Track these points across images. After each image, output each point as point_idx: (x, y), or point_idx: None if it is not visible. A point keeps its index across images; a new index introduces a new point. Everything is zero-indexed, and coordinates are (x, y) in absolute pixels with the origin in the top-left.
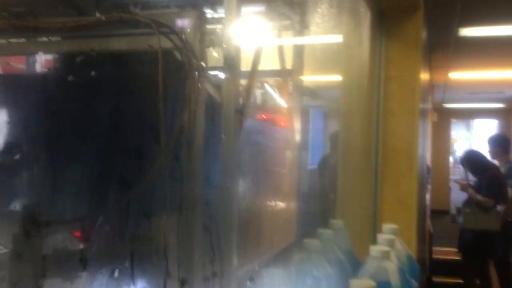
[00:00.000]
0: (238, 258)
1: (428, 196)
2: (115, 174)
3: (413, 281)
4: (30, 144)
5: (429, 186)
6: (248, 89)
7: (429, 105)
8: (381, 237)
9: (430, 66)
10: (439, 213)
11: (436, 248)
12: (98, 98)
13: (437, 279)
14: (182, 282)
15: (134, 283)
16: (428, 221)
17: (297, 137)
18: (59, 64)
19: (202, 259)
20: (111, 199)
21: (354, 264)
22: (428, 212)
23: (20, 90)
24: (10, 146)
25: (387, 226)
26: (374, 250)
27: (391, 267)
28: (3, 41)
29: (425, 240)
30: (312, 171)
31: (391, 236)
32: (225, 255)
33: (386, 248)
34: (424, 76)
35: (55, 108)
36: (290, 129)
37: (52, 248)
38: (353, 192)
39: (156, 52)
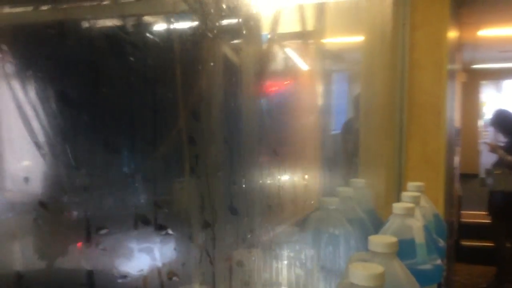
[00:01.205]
0: (262, 224)
1: (457, 159)
2: (133, 135)
3: (440, 240)
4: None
5: (458, 149)
6: (268, 53)
7: (457, 65)
8: (405, 194)
9: (459, 22)
10: (468, 177)
11: (465, 212)
12: (113, 60)
13: (465, 243)
14: (207, 251)
15: (156, 247)
16: (457, 184)
17: (320, 102)
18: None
19: (224, 224)
20: (131, 161)
21: (376, 223)
22: (457, 175)
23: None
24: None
25: (412, 184)
26: (397, 207)
27: (416, 225)
28: None
29: (454, 203)
30: (335, 136)
31: (416, 193)
32: (248, 221)
33: (409, 205)
34: (453, 32)
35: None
36: (312, 94)
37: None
38: (376, 151)
39: (172, 15)
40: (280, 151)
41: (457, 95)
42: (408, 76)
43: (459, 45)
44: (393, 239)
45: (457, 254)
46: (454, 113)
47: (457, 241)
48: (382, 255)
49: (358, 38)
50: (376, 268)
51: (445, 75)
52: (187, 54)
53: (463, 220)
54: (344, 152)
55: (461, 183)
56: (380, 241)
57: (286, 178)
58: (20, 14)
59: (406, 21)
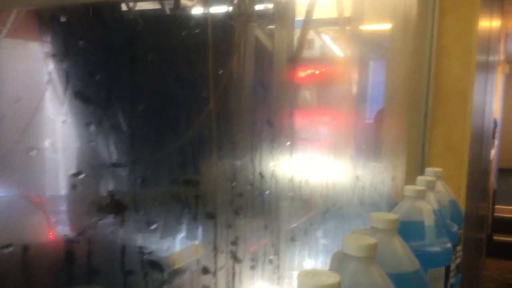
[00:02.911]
0: (289, 212)
1: (493, 152)
2: (166, 120)
3: (454, 225)
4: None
5: (496, 142)
6: (302, 38)
7: (499, 56)
8: (420, 178)
9: (502, 11)
10: (507, 171)
11: (499, 206)
12: (151, 41)
13: (498, 237)
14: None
15: (183, 226)
16: (493, 178)
17: (355, 90)
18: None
19: (252, 210)
20: (161, 144)
21: (390, 207)
22: (493, 169)
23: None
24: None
25: (430, 169)
26: (408, 189)
27: (426, 208)
28: None
29: (488, 197)
30: (369, 125)
31: (431, 178)
32: (276, 209)
33: (421, 188)
34: (492, 21)
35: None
36: (348, 82)
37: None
38: (399, 137)
39: None
40: (313, 136)
41: (499, 87)
42: (435, 63)
43: (504, 35)
44: (394, 216)
45: (488, 249)
46: (492, 105)
47: (489, 236)
48: (382, 231)
49: (387, 25)
50: (369, 239)
51: (474, 63)
52: (220, 37)
53: (497, 214)
54: (377, 141)
55: (498, 177)
56: (381, 217)
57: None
58: None
59: (435, 6)
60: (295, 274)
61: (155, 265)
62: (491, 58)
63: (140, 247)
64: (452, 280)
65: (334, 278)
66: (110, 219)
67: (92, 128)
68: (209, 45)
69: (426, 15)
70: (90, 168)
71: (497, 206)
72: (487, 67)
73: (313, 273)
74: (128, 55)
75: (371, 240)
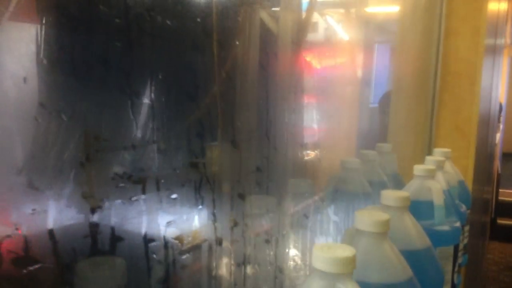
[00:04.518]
0: (292, 195)
1: (498, 136)
2: (170, 102)
3: (463, 205)
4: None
5: (501, 126)
6: (307, 21)
7: (505, 40)
8: (429, 158)
9: None
10: (511, 156)
11: (504, 190)
12: (153, 26)
13: (502, 221)
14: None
15: (188, 207)
16: (497, 162)
17: (360, 73)
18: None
19: (257, 183)
20: (167, 127)
21: (400, 187)
22: (498, 153)
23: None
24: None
25: (438, 150)
26: (418, 168)
27: (435, 187)
28: None
29: (492, 181)
30: (374, 109)
31: (440, 158)
32: (279, 191)
33: (430, 167)
34: (502, 4)
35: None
36: (352, 65)
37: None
38: (407, 117)
39: None
40: (317, 119)
41: (505, 70)
42: (444, 44)
43: (509, 19)
44: (405, 194)
45: (492, 232)
46: (498, 89)
47: (493, 219)
48: (393, 208)
49: (394, 7)
50: (381, 215)
51: (483, 44)
52: (224, 19)
53: (501, 198)
54: (382, 125)
55: (503, 162)
56: (392, 194)
57: (322, 148)
58: None
59: None
60: (308, 248)
61: (175, 235)
62: (498, 41)
63: (161, 218)
64: (460, 260)
65: (350, 251)
66: (133, 188)
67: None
68: (213, 29)
69: None
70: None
71: (501, 190)
72: (494, 50)
73: (328, 246)
74: (130, 39)
75: (384, 216)
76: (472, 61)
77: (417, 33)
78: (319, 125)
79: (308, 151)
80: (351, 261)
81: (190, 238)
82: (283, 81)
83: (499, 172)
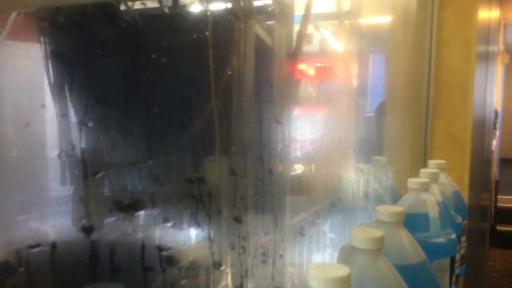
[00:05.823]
0: (290, 208)
1: (494, 143)
2: (167, 118)
3: (458, 216)
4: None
5: (497, 132)
6: (301, 33)
7: (498, 46)
8: (424, 170)
9: (501, 1)
10: (509, 161)
11: (502, 197)
12: (149, 39)
13: (501, 228)
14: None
15: (185, 223)
16: (495, 169)
17: (355, 83)
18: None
19: (253, 204)
20: (164, 143)
21: (396, 199)
22: (495, 160)
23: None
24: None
25: (432, 162)
26: (412, 182)
27: (430, 200)
28: None
29: (490, 187)
30: (370, 118)
31: (434, 170)
32: (278, 204)
33: (424, 180)
34: (491, 11)
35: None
36: (348, 75)
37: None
38: (401, 130)
39: None
40: (313, 130)
41: (499, 77)
42: (436, 55)
43: (503, 25)
44: (399, 209)
45: (492, 239)
46: (492, 96)
47: (492, 226)
48: (388, 224)
49: (386, 18)
50: (376, 232)
51: (474, 54)
52: (220, 34)
53: (500, 205)
54: (378, 134)
55: (500, 168)
56: (386, 210)
57: (319, 159)
58: None
59: None
60: (304, 267)
61: (171, 261)
62: (490, 48)
63: (158, 244)
64: (457, 271)
65: (344, 271)
66: (130, 217)
67: (94, 126)
68: (208, 43)
69: (425, 8)
70: (108, 167)
71: (499, 197)
72: (487, 58)
73: (324, 266)
74: (128, 54)
75: (378, 233)
76: (464, 72)
77: (408, 46)
78: (314, 136)
79: (300, 165)
80: (346, 281)
81: (188, 260)
82: (279, 93)
83: (497, 178)
